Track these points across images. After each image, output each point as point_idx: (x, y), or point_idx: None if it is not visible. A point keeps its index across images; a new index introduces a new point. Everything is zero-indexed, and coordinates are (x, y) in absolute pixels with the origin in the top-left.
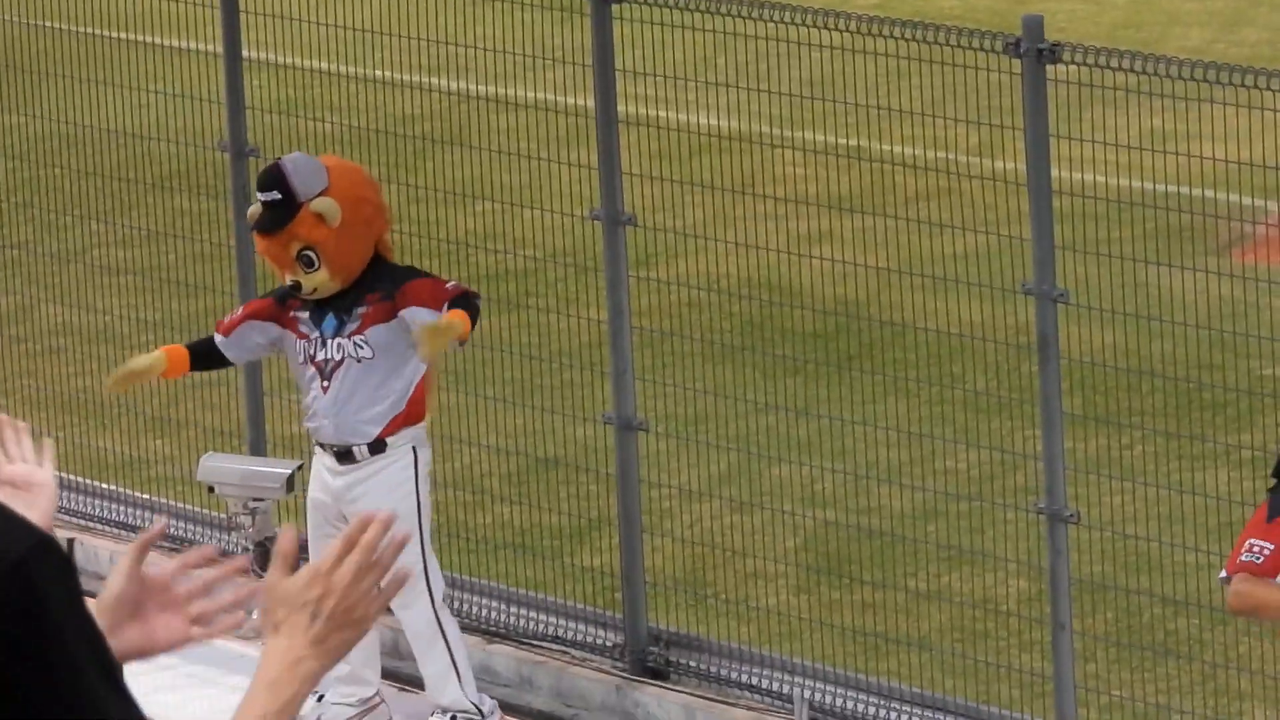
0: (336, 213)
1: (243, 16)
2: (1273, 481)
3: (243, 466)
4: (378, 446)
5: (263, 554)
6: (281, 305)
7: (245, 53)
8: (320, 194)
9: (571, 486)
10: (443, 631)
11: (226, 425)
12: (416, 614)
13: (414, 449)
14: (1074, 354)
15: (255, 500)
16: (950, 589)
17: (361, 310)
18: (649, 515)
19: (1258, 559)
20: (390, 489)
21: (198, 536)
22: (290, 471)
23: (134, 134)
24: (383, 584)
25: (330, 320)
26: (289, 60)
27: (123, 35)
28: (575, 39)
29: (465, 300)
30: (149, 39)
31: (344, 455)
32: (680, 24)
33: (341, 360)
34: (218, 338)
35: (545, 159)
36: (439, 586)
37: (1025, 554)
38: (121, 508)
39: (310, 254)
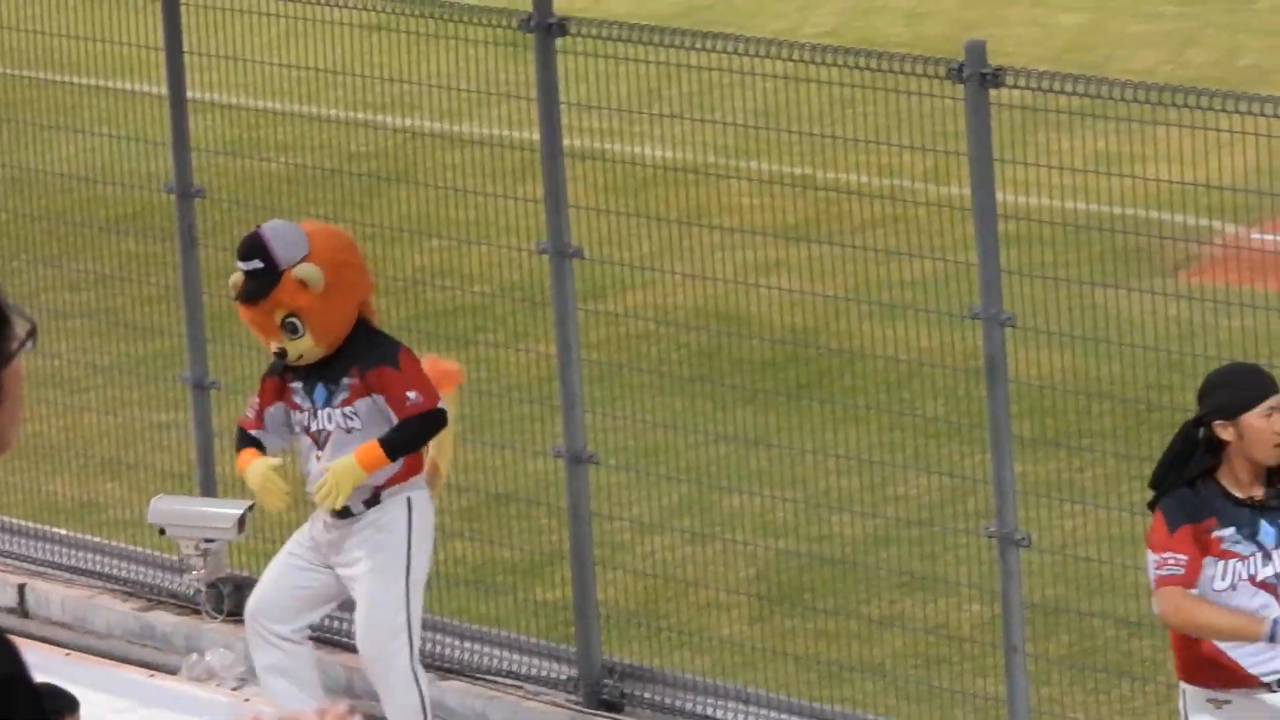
0: (319, 278)
1: (191, 58)
2: (1150, 493)
3: (194, 508)
4: (372, 500)
5: (215, 595)
6: (281, 380)
7: (193, 94)
8: (302, 260)
9: (526, 521)
10: (417, 685)
11: (178, 467)
12: (391, 665)
13: (409, 498)
14: (1025, 377)
15: (207, 541)
16: (906, 615)
17: (348, 381)
18: (603, 548)
19: (1180, 571)
20: (381, 541)
21: (151, 579)
22: (241, 512)
23: (83, 177)
24: None
25: (320, 390)
26: (237, 100)
27: (70, 79)
28: (523, 74)
29: (414, 426)
30: (97, 82)
31: (342, 513)
32: (628, 56)
33: (333, 430)
34: (254, 434)
35: (495, 195)
36: (417, 639)
37: (980, 578)
38: (72, 551)
39: (294, 321)
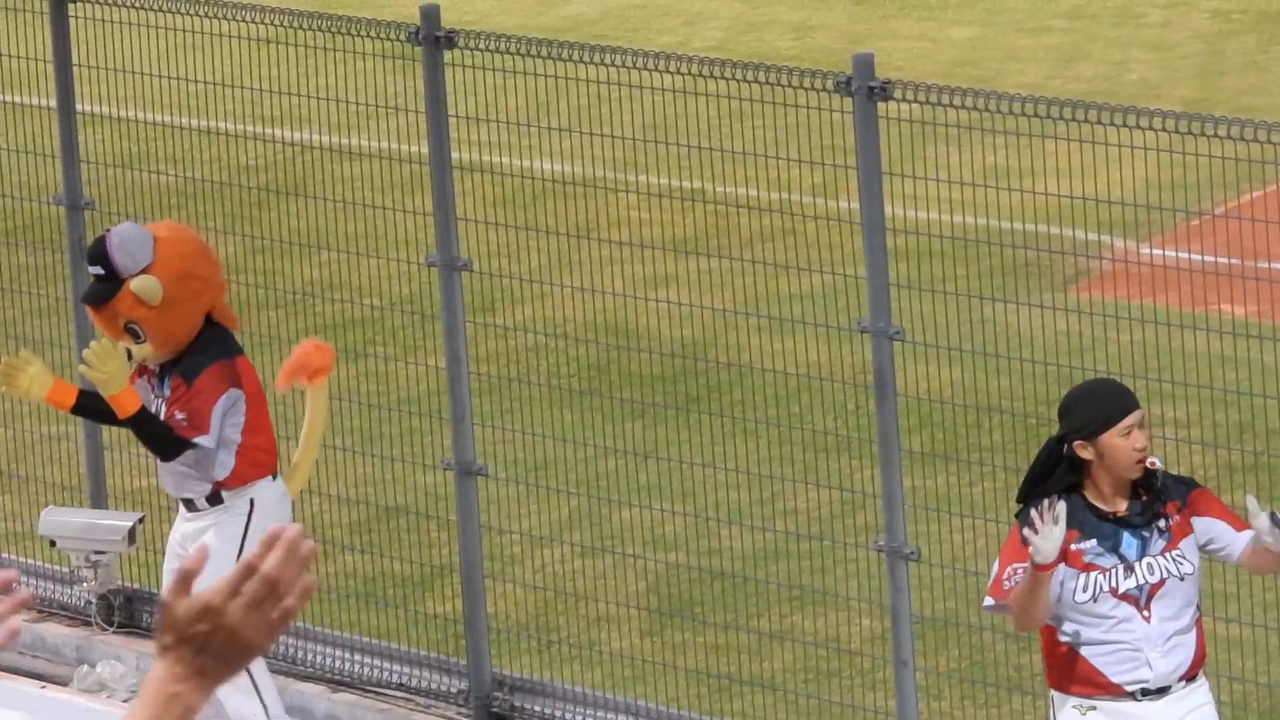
0: (157, 292)
1: (81, 70)
2: (1018, 506)
3: (84, 520)
4: (215, 498)
5: (106, 606)
6: (139, 370)
7: (83, 106)
8: (144, 270)
9: (417, 534)
10: (256, 690)
11: (69, 480)
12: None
13: (251, 499)
14: (916, 392)
15: (97, 553)
16: (797, 629)
17: (170, 382)
18: (494, 561)
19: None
20: (223, 540)
21: (42, 591)
22: (131, 524)
23: None
24: (285, 600)
25: (159, 384)
26: (128, 114)
27: None
28: (413, 86)
29: (153, 432)
30: None
31: (189, 504)
32: (518, 69)
33: (173, 426)
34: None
35: (385, 207)
36: None
37: (871, 593)
38: None
39: (135, 328)
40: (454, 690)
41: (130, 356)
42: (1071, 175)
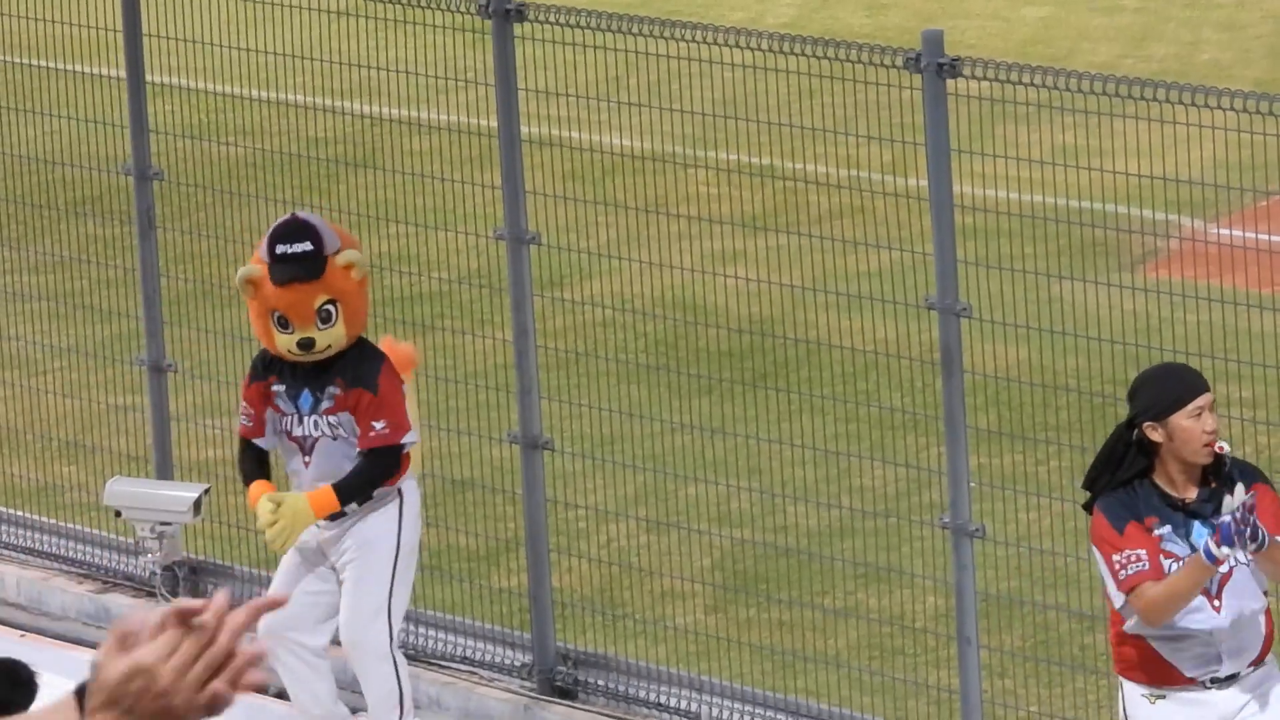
0: (365, 263)
1: (152, 41)
2: (1085, 494)
3: (150, 490)
4: (366, 496)
5: (171, 577)
6: (265, 384)
7: (154, 78)
8: (346, 250)
9: (484, 508)
10: (395, 671)
11: (136, 450)
12: (370, 649)
13: (400, 491)
14: (985, 370)
15: (163, 524)
16: (863, 606)
17: (333, 391)
18: (562, 535)
19: (1145, 566)
20: (372, 533)
21: (107, 561)
22: (197, 495)
23: (44, 160)
24: (221, 680)
25: (306, 397)
26: (199, 85)
27: (32, 61)
28: (484, 60)
29: (368, 470)
30: (56, 65)
31: (333, 515)
32: (590, 44)
33: (320, 437)
34: (259, 443)
35: (456, 181)
36: (398, 625)
37: (937, 570)
38: (29, 533)
39: (330, 308)
40: (518, 664)
41: (311, 347)
42: (1140, 155)
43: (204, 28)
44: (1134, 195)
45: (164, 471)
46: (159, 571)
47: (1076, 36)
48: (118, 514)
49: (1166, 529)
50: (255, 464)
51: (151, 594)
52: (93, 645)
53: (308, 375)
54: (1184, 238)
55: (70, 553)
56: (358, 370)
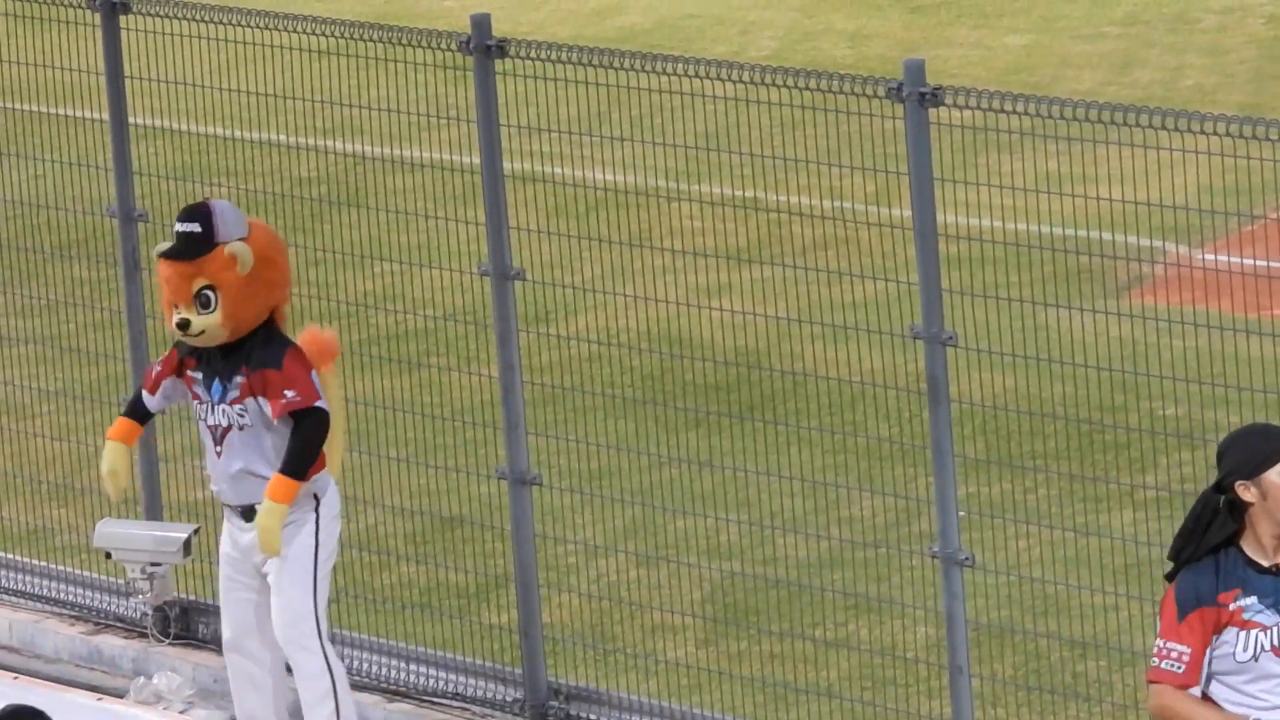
0: (249, 260)
1: (136, 83)
2: (1169, 565)
3: (140, 531)
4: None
5: (162, 618)
6: (183, 362)
7: (139, 120)
8: (238, 240)
9: (474, 544)
10: (328, 666)
11: (127, 492)
12: (302, 647)
13: (315, 495)
14: (972, 398)
15: (153, 565)
16: (854, 637)
17: (239, 380)
18: (552, 571)
19: (1178, 667)
20: (291, 537)
21: (98, 603)
22: (187, 535)
23: (29, 203)
24: None
25: (217, 386)
26: (182, 126)
27: (15, 106)
28: (468, 98)
29: (301, 438)
30: (42, 109)
31: (248, 513)
32: (573, 78)
33: (229, 426)
34: (146, 398)
35: (441, 218)
36: (324, 621)
37: (928, 600)
38: (20, 576)
39: (209, 294)
40: (509, 699)
41: (186, 328)
42: (1125, 181)
43: (187, 69)
44: (1119, 221)
45: (153, 513)
46: (150, 612)
47: (1059, 64)
48: (108, 555)
49: (1251, 599)
50: (133, 407)
51: (143, 635)
52: (85, 687)
53: (218, 364)
54: (1170, 263)
55: (62, 595)
56: (263, 355)
